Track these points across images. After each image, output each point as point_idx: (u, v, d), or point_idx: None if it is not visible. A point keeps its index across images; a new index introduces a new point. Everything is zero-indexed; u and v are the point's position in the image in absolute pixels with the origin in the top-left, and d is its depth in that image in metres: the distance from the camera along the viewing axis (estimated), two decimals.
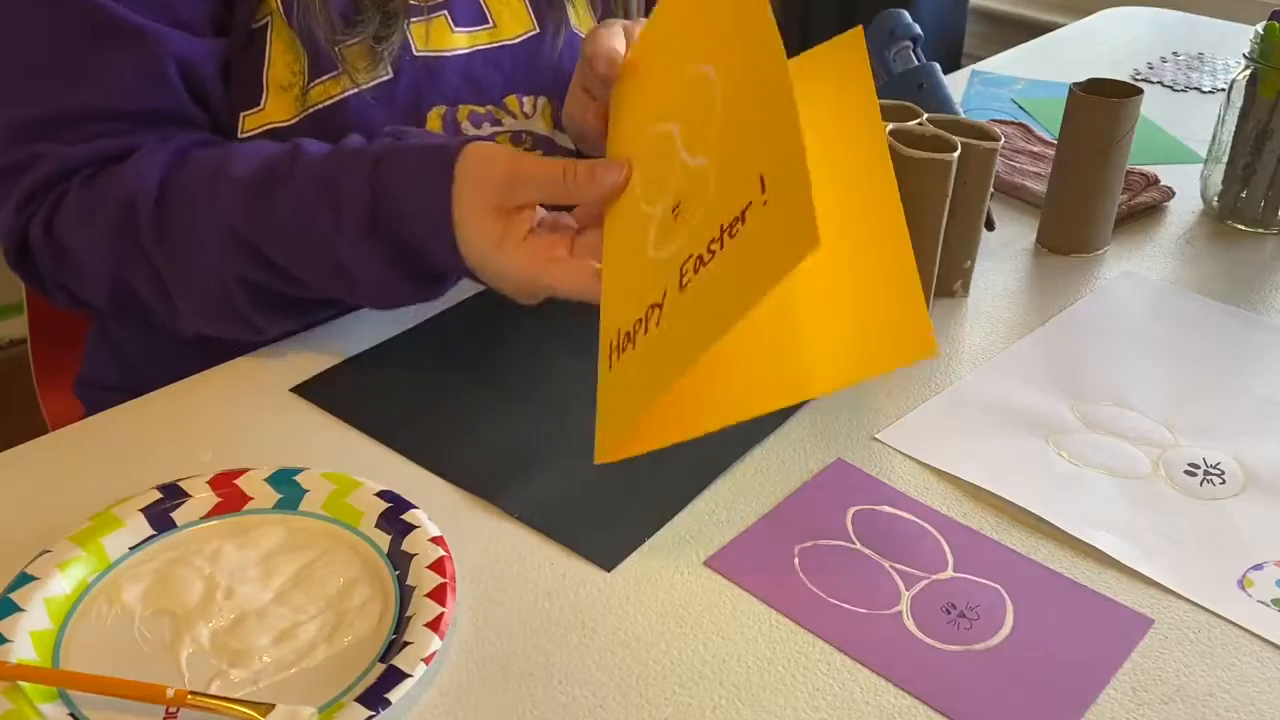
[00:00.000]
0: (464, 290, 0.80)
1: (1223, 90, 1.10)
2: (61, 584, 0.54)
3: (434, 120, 0.80)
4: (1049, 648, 0.54)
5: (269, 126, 0.75)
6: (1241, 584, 0.58)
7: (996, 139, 0.76)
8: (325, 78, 0.75)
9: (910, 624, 0.55)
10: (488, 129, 0.83)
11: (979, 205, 0.78)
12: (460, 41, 0.81)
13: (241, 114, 0.75)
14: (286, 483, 0.60)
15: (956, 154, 0.73)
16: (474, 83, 0.82)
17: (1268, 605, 0.57)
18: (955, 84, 1.25)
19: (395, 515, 0.58)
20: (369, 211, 0.66)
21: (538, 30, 0.85)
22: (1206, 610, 0.56)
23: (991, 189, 0.83)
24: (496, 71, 0.83)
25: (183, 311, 0.71)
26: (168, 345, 0.80)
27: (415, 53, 0.78)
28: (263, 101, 0.75)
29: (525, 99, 0.85)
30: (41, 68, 0.70)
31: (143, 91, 0.71)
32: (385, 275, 0.68)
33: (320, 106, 0.76)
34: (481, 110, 0.82)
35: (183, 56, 0.72)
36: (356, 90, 0.76)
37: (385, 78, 0.77)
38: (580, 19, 0.88)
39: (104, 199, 0.70)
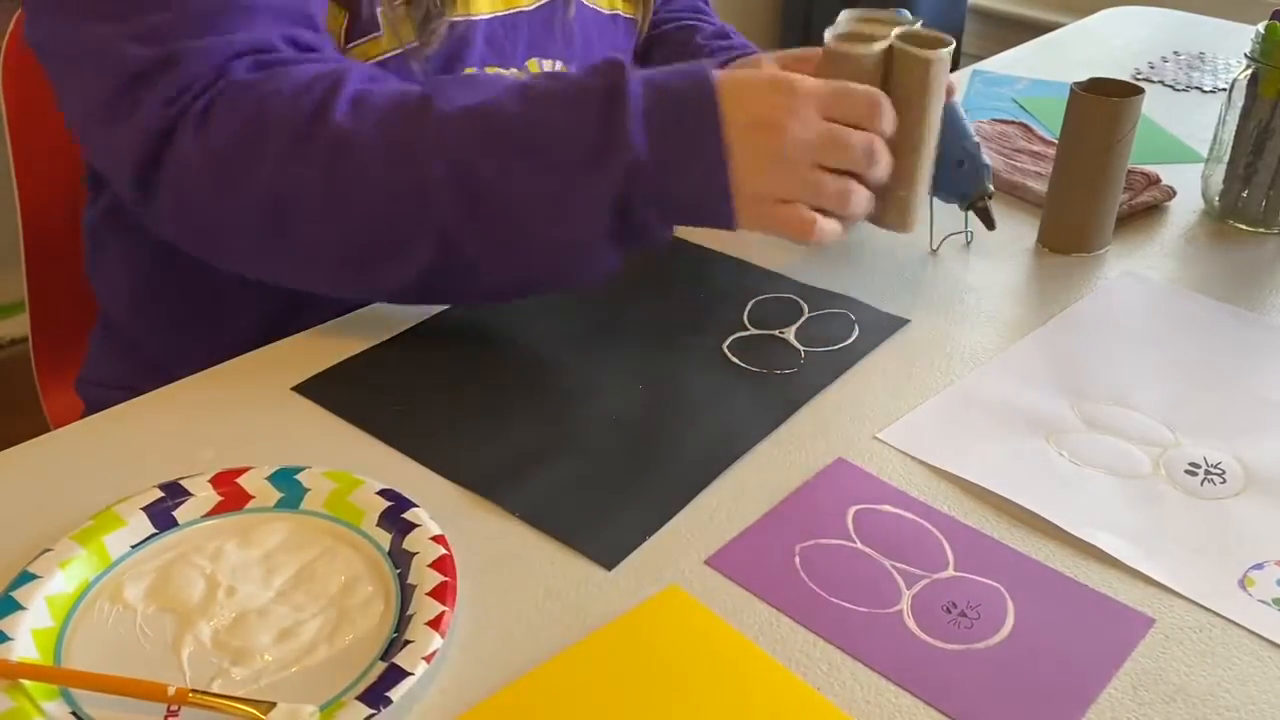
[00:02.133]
0: None
1: (1224, 90, 1.10)
2: (63, 582, 0.54)
3: None
4: (1050, 647, 0.54)
5: None
6: (1242, 583, 0.58)
7: (947, 44, 0.74)
8: (364, 39, 0.76)
9: (911, 623, 0.55)
10: None
11: (919, 126, 0.75)
12: (483, 6, 0.83)
13: None
14: (288, 481, 0.60)
15: (933, 53, 0.73)
16: (497, 46, 0.83)
17: (1268, 605, 0.57)
18: (956, 84, 1.25)
19: (396, 514, 0.58)
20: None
21: (546, 0, 0.87)
22: (1207, 610, 0.56)
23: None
24: (516, 35, 0.85)
25: (357, 214, 0.66)
26: (192, 343, 0.80)
27: (450, 17, 0.80)
28: None
29: (545, 62, 0.87)
30: None
31: None
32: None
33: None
34: (505, 73, 0.84)
35: None
36: (398, 52, 0.77)
37: (429, 43, 0.78)
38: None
39: (279, 98, 0.66)
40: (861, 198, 0.69)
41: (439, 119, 0.66)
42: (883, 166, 0.69)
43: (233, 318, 0.83)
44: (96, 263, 0.90)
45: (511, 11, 0.85)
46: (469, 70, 0.82)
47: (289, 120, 0.66)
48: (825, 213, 0.68)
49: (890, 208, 0.76)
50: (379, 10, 0.76)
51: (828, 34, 0.74)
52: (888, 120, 0.69)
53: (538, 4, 0.86)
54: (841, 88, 0.67)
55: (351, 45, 0.76)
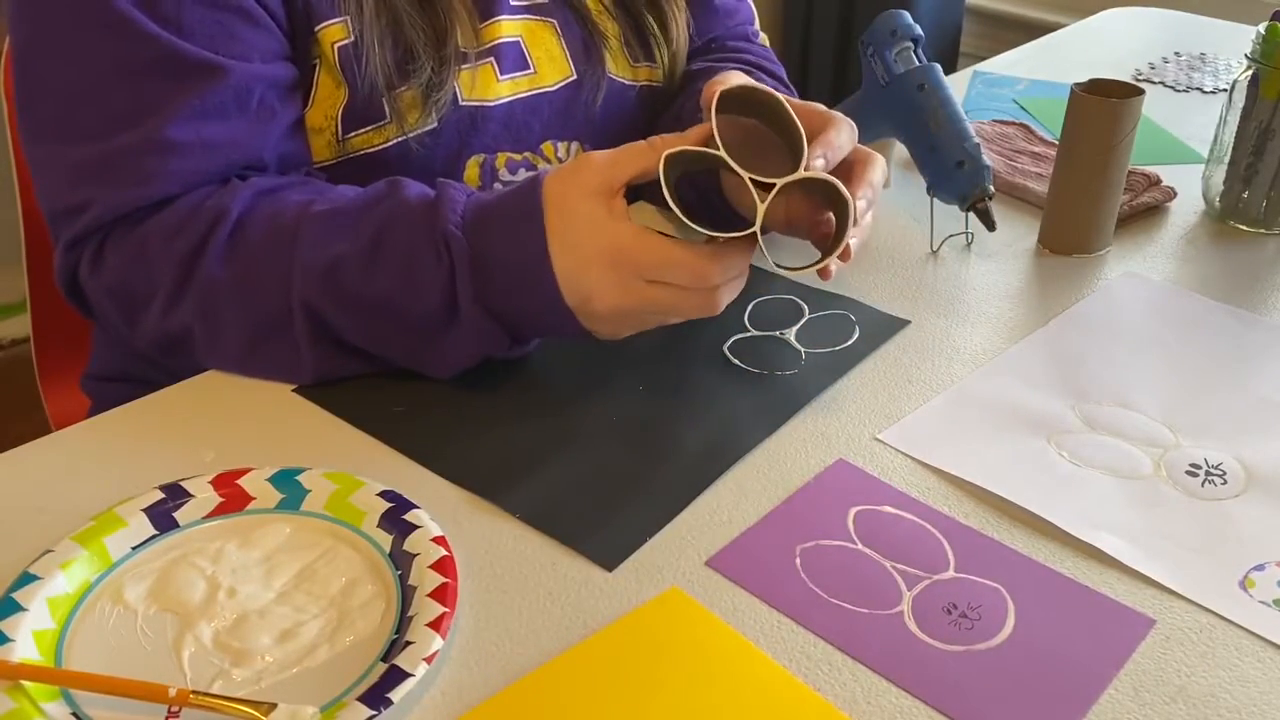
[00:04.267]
0: None
1: (1224, 90, 1.10)
2: (64, 583, 0.54)
3: (472, 168, 0.82)
4: (1050, 648, 0.54)
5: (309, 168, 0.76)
6: (1243, 584, 0.58)
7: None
8: (368, 128, 0.76)
9: (911, 624, 0.55)
10: (523, 175, 0.84)
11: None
12: (504, 90, 0.81)
13: None
14: (289, 482, 0.60)
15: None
16: (513, 130, 0.83)
17: (1269, 606, 0.57)
18: (957, 84, 1.25)
19: (397, 515, 0.58)
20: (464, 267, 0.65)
21: (575, 78, 0.85)
22: (1208, 611, 0.56)
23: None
24: (535, 118, 0.84)
25: (229, 341, 0.69)
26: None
27: (461, 101, 0.79)
28: None
29: (560, 144, 0.86)
30: (101, 103, 0.68)
31: (207, 125, 0.69)
32: (473, 325, 0.67)
33: (362, 154, 0.76)
34: (518, 157, 0.84)
35: (248, 86, 0.70)
36: (402, 139, 0.76)
37: (431, 126, 0.77)
38: (617, 65, 0.88)
39: (160, 232, 0.68)
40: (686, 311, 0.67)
41: (299, 271, 0.67)
42: (730, 298, 0.67)
43: None
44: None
45: (535, 93, 0.83)
46: (478, 157, 0.81)
47: (165, 266, 0.68)
48: None
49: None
50: (383, 98, 0.75)
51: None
52: (724, 274, 0.65)
53: (562, 83, 0.85)
54: (666, 260, 0.64)
55: (350, 135, 0.76)
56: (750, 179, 0.63)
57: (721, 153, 0.63)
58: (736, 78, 0.68)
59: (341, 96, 0.75)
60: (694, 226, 0.63)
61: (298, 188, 0.71)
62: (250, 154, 0.71)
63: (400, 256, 0.66)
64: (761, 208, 0.63)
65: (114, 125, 0.68)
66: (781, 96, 0.66)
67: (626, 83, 0.88)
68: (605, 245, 0.64)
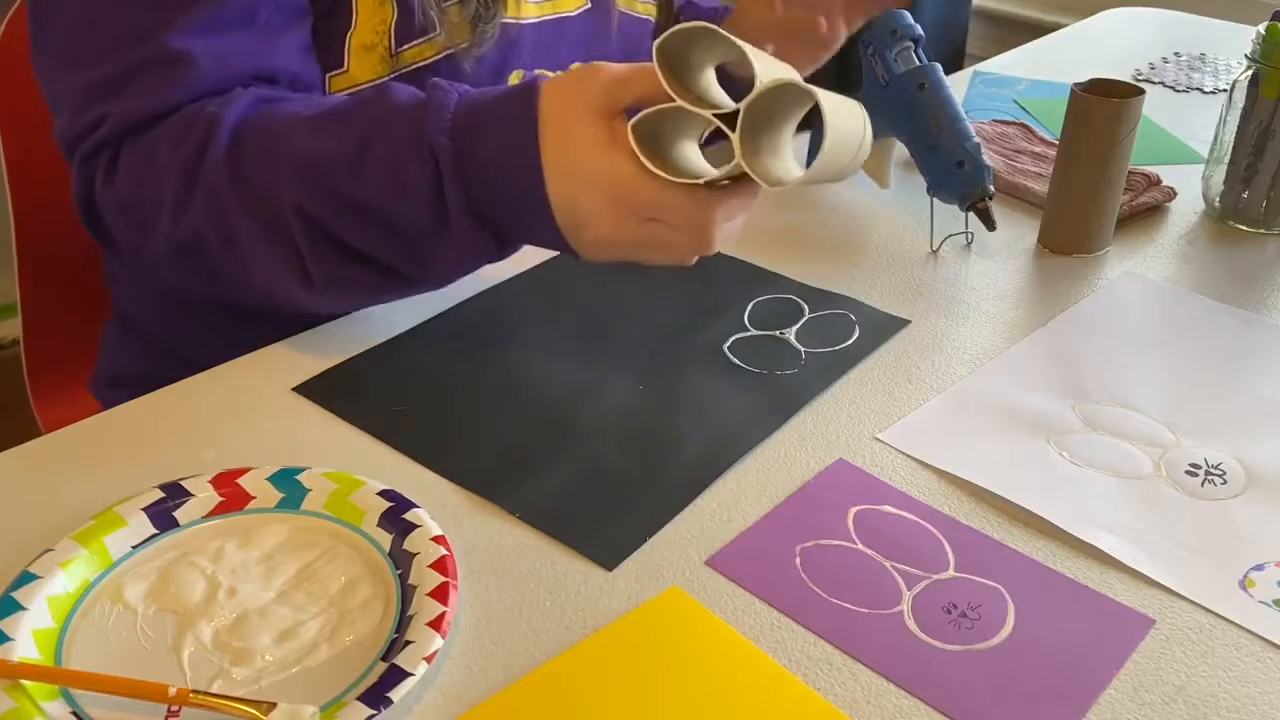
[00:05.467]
0: (465, 290, 0.80)
1: (1224, 91, 1.10)
2: (64, 582, 0.54)
3: (514, 79, 0.84)
4: (1050, 648, 0.54)
5: (358, 87, 0.77)
6: (1243, 584, 0.58)
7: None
8: (419, 41, 0.77)
9: (911, 624, 0.55)
10: None
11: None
12: (531, 10, 0.85)
13: (327, 76, 0.76)
14: (288, 482, 0.60)
15: None
16: (545, 49, 0.86)
17: (1269, 606, 0.57)
18: (957, 85, 1.25)
19: (397, 514, 0.58)
20: (451, 164, 0.65)
21: (590, 6, 0.89)
22: (1208, 610, 0.56)
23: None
24: (561, 41, 0.87)
25: (239, 245, 0.69)
26: (204, 328, 0.81)
27: (502, 18, 0.81)
28: (345, 64, 0.76)
29: None
30: (111, 23, 0.69)
31: (214, 38, 0.70)
32: (461, 231, 0.66)
33: (413, 67, 0.78)
34: (551, 75, 0.85)
35: (253, 3, 0.71)
36: (451, 52, 0.78)
37: (486, 42, 0.80)
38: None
39: (166, 139, 0.69)
40: (690, 251, 0.67)
41: (289, 173, 0.67)
42: (724, 243, 0.67)
43: (258, 313, 0.83)
44: (119, 264, 0.91)
45: (557, 16, 0.87)
46: (518, 72, 0.84)
47: (170, 173, 0.69)
48: None
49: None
50: (432, 11, 0.77)
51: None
52: (723, 218, 0.64)
53: (581, 9, 0.89)
54: (666, 200, 0.62)
55: (403, 48, 0.77)
56: (713, 115, 0.60)
57: (679, 102, 0.61)
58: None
59: (390, 12, 0.76)
60: (687, 179, 0.62)
61: (299, 100, 0.72)
62: (259, 65, 0.72)
63: (387, 164, 0.65)
64: (736, 138, 0.60)
65: (124, 43, 0.69)
66: (706, 24, 0.62)
67: (638, 15, 0.94)
68: (603, 177, 0.63)
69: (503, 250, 0.70)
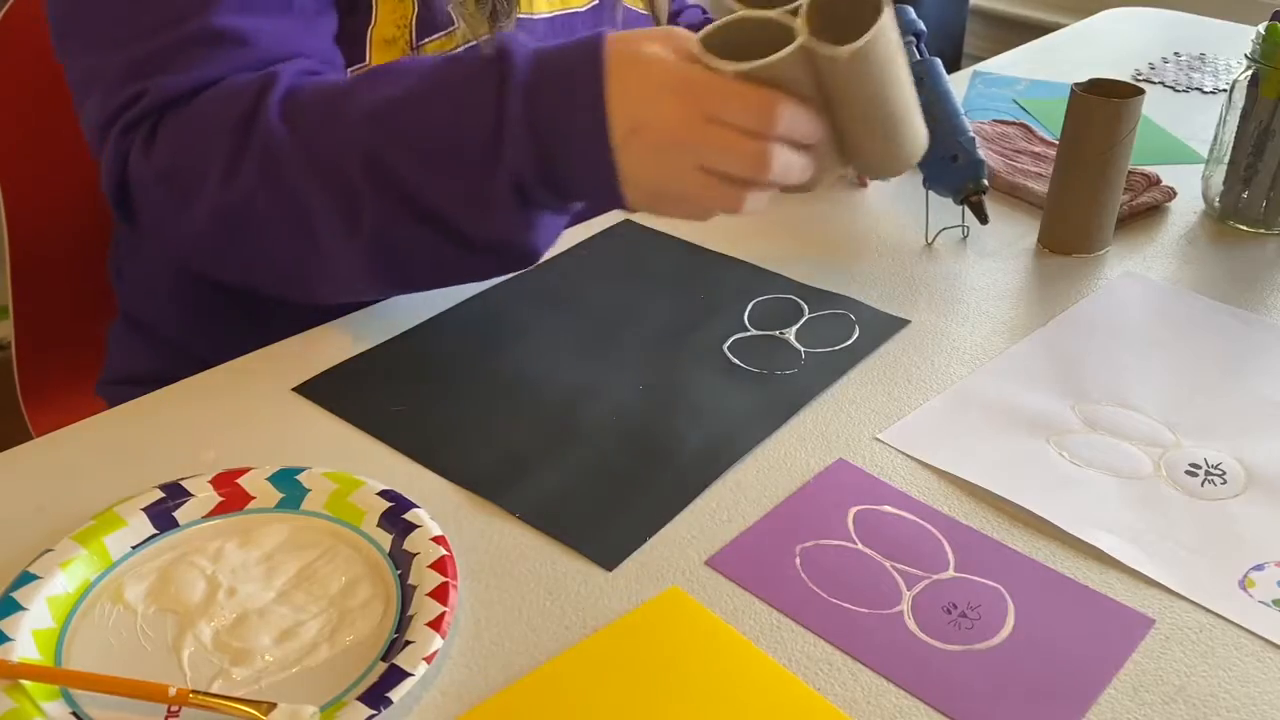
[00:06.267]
0: (465, 289, 0.80)
1: (1224, 91, 1.10)
2: (64, 583, 0.54)
3: None
4: (1050, 648, 0.54)
5: None
6: (1243, 584, 0.58)
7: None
8: (438, 35, 0.79)
9: (911, 624, 0.55)
10: None
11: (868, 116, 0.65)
12: (543, 6, 0.86)
13: (348, 69, 0.77)
14: (288, 482, 0.60)
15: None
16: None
17: (1269, 606, 0.57)
18: (957, 84, 1.25)
19: (397, 514, 0.58)
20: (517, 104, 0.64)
21: (597, 2, 0.91)
22: (1208, 610, 0.56)
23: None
24: (572, 34, 0.87)
25: (296, 201, 0.67)
26: (212, 325, 0.82)
27: (518, 14, 0.83)
28: (367, 58, 0.78)
29: None
30: (153, 4, 0.69)
31: (251, 18, 0.70)
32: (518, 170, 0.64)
33: None
34: None
35: None
36: (470, 45, 0.80)
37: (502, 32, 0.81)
38: None
39: (214, 103, 0.69)
40: (756, 199, 0.65)
41: (356, 119, 0.66)
42: (784, 172, 0.63)
43: (270, 310, 0.83)
44: (127, 261, 0.90)
45: (567, 12, 0.88)
46: None
47: (220, 134, 0.68)
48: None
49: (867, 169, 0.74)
50: (450, 6, 0.78)
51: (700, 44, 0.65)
52: (788, 127, 0.62)
53: (589, 5, 0.91)
54: (732, 91, 0.61)
55: (424, 42, 0.79)
56: (778, 14, 0.60)
57: (743, 11, 0.60)
58: None
59: (410, 8, 0.78)
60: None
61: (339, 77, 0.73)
62: (297, 46, 0.73)
63: (458, 83, 0.65)
64: (801, 19, 0.59)
65: (166, 22, 0.69)
66: None
67: (639, 12, 0.96)
68: (669, 72, 0.62)
69: (550, 194, 0.66)
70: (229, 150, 0.68)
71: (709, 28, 0.62)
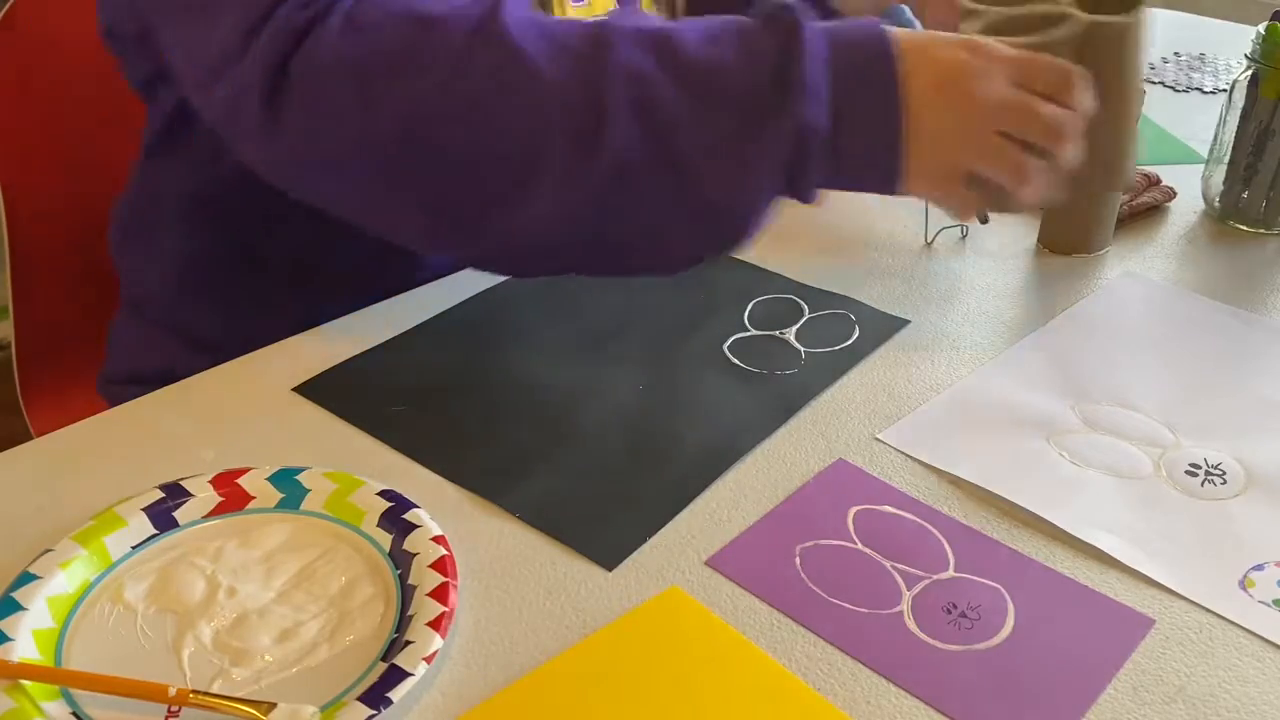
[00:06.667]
0: (465, 290, 0.80)
1: (1224, 91, 1.10)
2: (64, 583, 0.54)
3: None
4: (1050, 648, 0.54)
5: None
6: (1243, 584, 0.58)
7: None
8: None
9: (911, 624, 0.55)
10: None
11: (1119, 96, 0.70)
12: (572, 11, 0.86)
13: None
14: (288, 482, 0.60)
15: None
16: None
17: (1269, 606, 0.57)
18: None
19: (397, 514, 0.58)
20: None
21: (618, 8, 0.90)
22: (1208, 610, 0.56)
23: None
24: None
25: (537, 115, 0.61)
26: (244, 322, 0.80)
27: None
28: None
29: None
30: None
31: None
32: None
33: None
34: None
35: None
36: None
37: None
38: (645, 2, 0.93)
39: (434, 3, 0.62)
40: (1039, 181, 0.65)
41: (618, 37, 0.62)
42: (1071, 148, 0.64)
43: (286, 295, 0.83)
44: (136, 246, 0.89)
45: (593, 18, 0.87)
46: None
47: (455, 27, 0.61)
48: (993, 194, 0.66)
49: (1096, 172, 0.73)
50: None
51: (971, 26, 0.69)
52: (1085, 98, 0.64)
53: (610, 10, 0.89)
54: (1036, 56, 0.63)
55: None
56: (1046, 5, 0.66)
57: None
58: None
59: None
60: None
61: None
62: None
63: (748, 30, 0.63)
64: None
65: None
66: None
67: (654, 16, 0.96)
68: (960, 44, 0.63)
69: (824, 161, 0.63)
70: (463, 41, 0.61)
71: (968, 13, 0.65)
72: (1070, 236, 0.89)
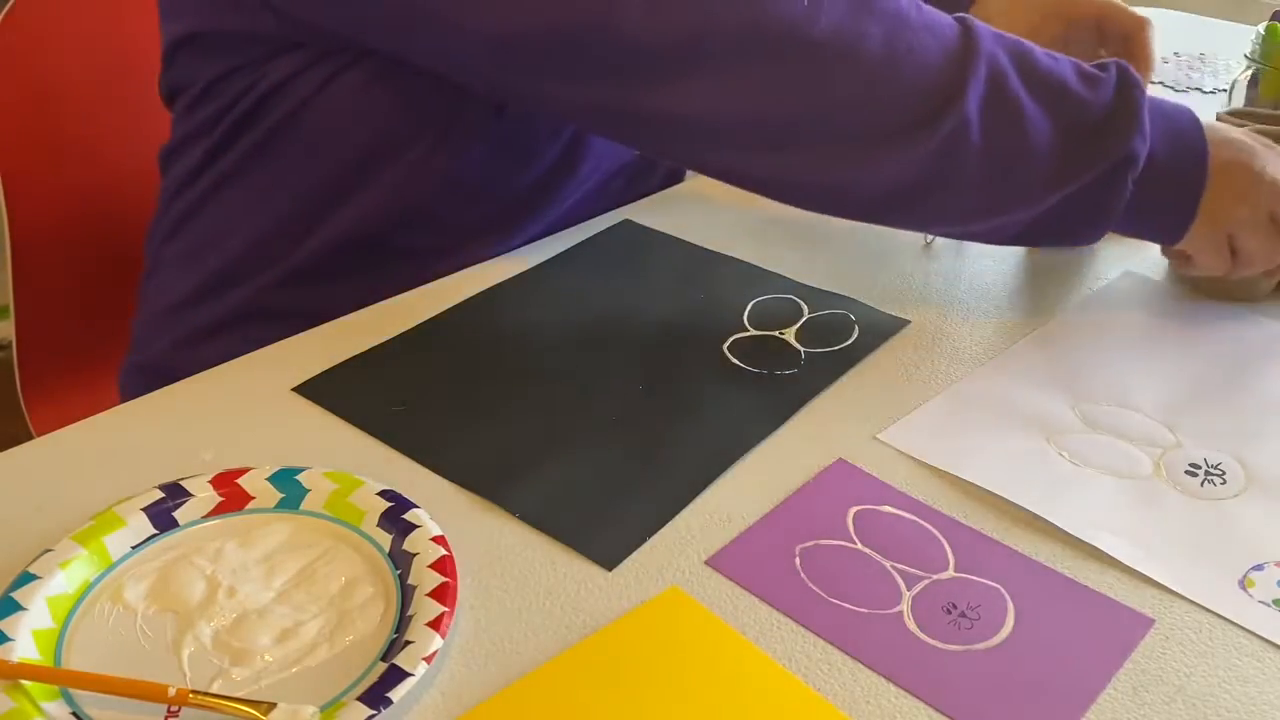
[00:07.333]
0: (465, 290, 0.80)
1: (1224, 91, 1.10)
2: (64, 583, 0.54)
3: None
4: (1050, 648, 0.54)
5: None
6: (1242, 584, 0.58)
7: None
8: None
9: (911, 624, 0.55)
10: None
11: None
12: None
13: None
14: (288, 482, 0.60)
15: None
16: None
17: (1269, 605, 0.57)
18: None
19: (397, 514, 0.58)
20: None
21: None
22: (1207, 610, 0.56)
23: None
24: None
25: (904, 78, 0.69)
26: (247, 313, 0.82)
27: None
28: None
29: None
30: None
31: None
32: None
33: None
34: None
35: None
36: None
37: None
38: None
39: None
40: None
41: (982, 31, 0.70)
42: None
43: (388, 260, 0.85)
44: (193, 240, 0.88)
45: None
46: None
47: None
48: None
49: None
50: None
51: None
52: None
53: None
54: None
55: None
56: None
57: None
58: None
59: None
60: None
61: None
62: None
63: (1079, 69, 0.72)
64: None
65: None
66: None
67: None
68: (1256, 140, 0.74)
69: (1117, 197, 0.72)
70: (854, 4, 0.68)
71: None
72: (1229, 284, 0.83)
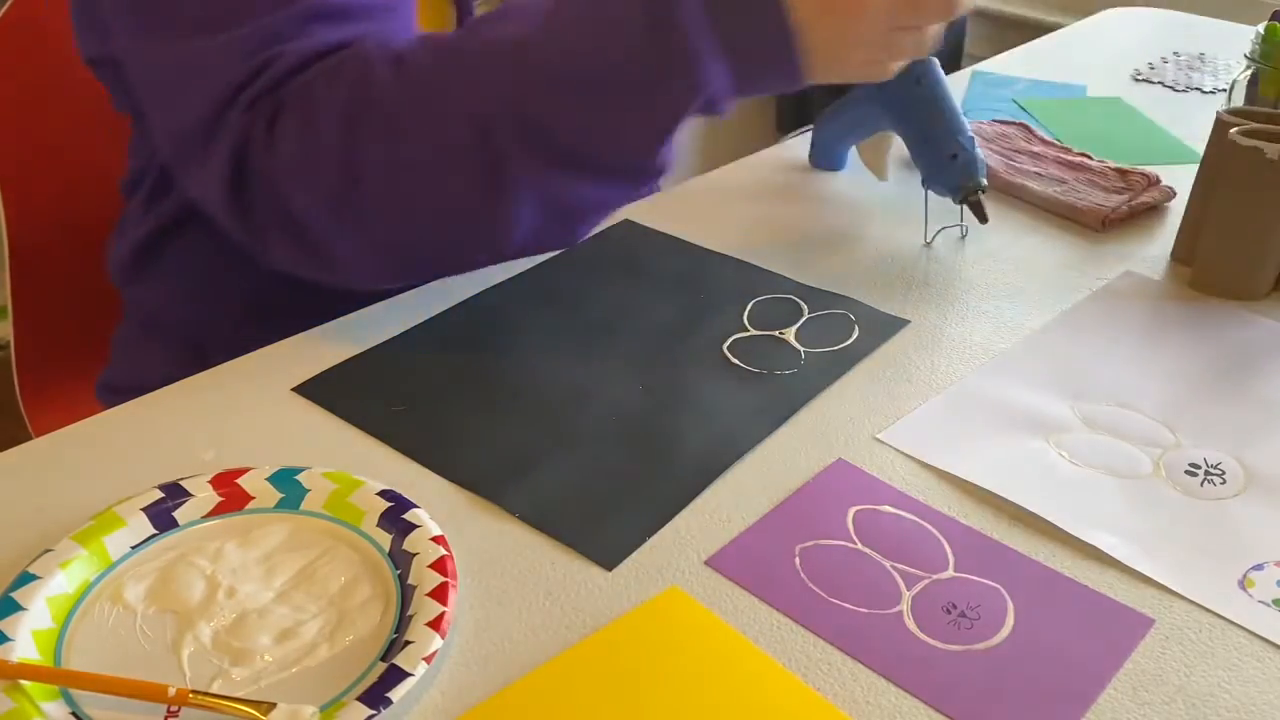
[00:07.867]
0: (465, 290, 0.80)
1: (1224, 91, 1.10)
2: (63, 583, 0.54)
3: None
4: (1049, 648, 0.54)
5: None
6: (1242, 584, 0.58)
7: None
8: None
9: (911, 624, 0.55)
10: None
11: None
12: None
13: None
14: (288, 482, 0.60)
15: None
16: None
17: (1268, 605, 0.57)
18: (957, 84, 1.25)
19: (397, 514, 0.58)
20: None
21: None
22: (1207, 610, 0.56)
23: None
24: None
25: (423, 167, 0.66)
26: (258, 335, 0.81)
27: None
28: None
29: None
30: None
31: None
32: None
33: None
34: None
35: None
36: None
37: None
38: None
39: (333, 78, 0.67)
40: (936, 38, 0.71)
41: (475, 66, 0.66)
42: (962, 8, 0.69)
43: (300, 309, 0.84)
44: (145, 273, 0.89)
45: None
46: None
47: (335, 108, 0.67)
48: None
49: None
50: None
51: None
52: None
53: None
54: None
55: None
56: None
57: None
58: None
59: (451, 15, 0.78)
60: None
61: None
62: (401, 27, 0.73)
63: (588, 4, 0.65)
64: None
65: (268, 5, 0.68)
66: None
67: None
68: None
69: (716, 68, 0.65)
70: (343, 126, 0.66)
71: None
72: (1228, 280, 0.84)
